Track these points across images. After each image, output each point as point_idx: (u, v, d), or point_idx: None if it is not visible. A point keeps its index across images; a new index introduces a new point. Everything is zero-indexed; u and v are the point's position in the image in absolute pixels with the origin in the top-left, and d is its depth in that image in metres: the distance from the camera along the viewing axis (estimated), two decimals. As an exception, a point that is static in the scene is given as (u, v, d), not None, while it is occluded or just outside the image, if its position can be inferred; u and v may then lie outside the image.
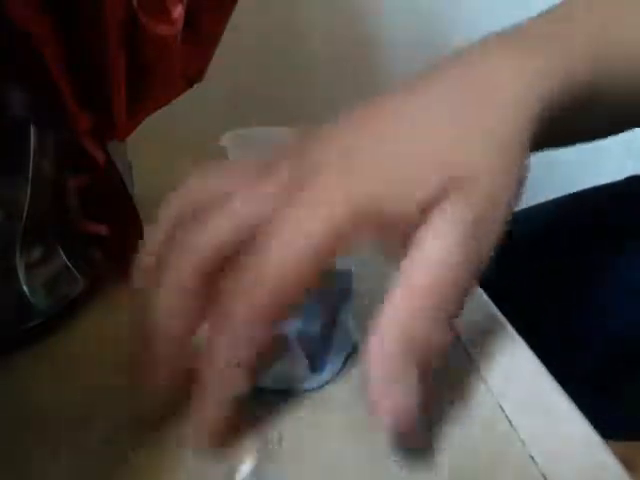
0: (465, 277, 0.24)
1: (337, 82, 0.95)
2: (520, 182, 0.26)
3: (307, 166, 0.25)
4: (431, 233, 0.23)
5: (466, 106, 0.26)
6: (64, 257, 0.34)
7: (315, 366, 0.30)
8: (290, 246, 0.23)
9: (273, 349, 0.25)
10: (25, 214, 0.31)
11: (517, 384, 0.29)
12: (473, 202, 0.24)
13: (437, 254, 0.23)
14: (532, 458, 0.25)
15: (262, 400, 0.29)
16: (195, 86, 0.39)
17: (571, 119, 0.30)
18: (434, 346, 0.23)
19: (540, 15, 0.32)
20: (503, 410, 0.28)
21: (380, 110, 0.28)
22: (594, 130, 0.37)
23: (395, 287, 0.23)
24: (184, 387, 0.25)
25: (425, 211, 0.24)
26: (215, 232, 0.25)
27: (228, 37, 0.38)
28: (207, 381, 0.24)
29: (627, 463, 0.25)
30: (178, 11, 0.31)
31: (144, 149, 0.44)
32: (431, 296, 0.23)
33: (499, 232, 0.25)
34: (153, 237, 0.28)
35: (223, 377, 0.23)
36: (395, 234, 0.24)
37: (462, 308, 0.24)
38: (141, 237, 0.38)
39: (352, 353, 0.32)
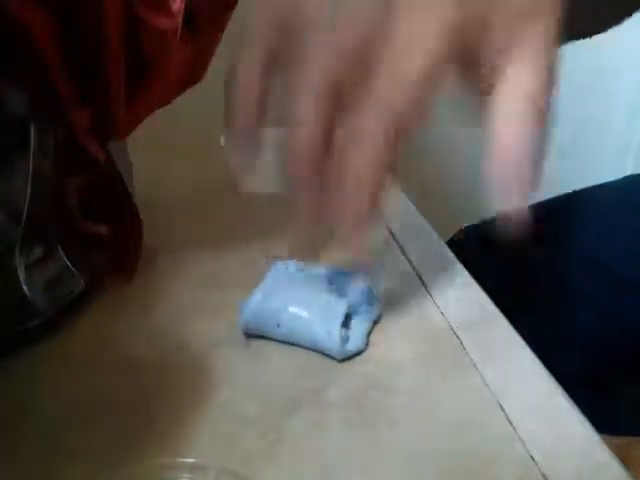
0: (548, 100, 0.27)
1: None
2: None
3: None
4: (517, 67, 0.27)
5: None
6: (64, 257, 0.34)
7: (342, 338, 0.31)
8: (415, 57, 0.26)
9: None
10: (25, 214, 0.31)
11: (517, 384, 0.29)
12: (546, 39, 0.27)
13: (525, 83, 0.27)
14: (532, 458, 0.25)
15: (262, 400, 0.29)
16: (195, 86, 0.39)
17: None
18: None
19: None
20: (503, 410, 0.28)
21: None
22: None
23: (496, 117, 0.27)
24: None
25: (507, 46, 0.27)
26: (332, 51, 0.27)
27: (228, 37, 0.38)
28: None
29: (625, 458, 0.25)
30: (177, 4, 0.31)
31: (144, 149, 0.44)
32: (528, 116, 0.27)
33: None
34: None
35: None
36: (482, 61, 0.28)
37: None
38: (141, 237, 0.38)
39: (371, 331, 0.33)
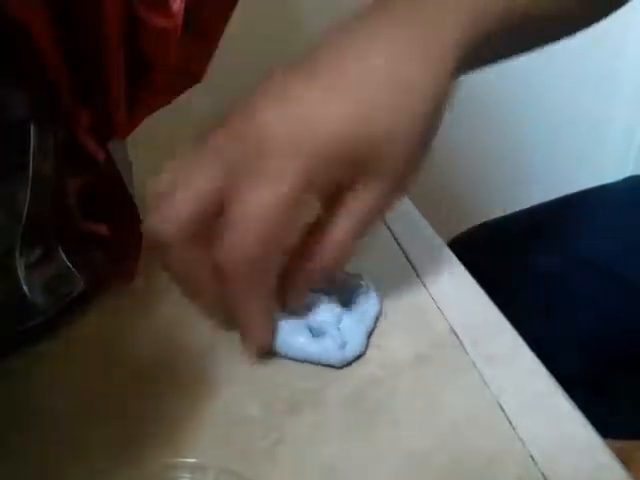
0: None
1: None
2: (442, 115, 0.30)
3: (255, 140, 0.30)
4: (345, 212, 0.29)
5: (401, 76, 0.29)
6: (64, 257, 0.34)
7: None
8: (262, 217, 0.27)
9: None
10: (25, 214, 0.31)
11: (517, 384, 0.29)
12: (384, 180, 0.28)
13: (342, 235, 0.29)
14: (532, 458, 0.25)
15: (262, 400, 0.29)
16: (195, 86, 0.39)
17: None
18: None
19: None
20: (503, 410, 0.28)
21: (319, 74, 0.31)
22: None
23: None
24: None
25: (351, 180, 0.28)
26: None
27: (228, 37, 0.38)
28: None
29: (626, 460, 0.25)
30: (177, 4, 0.31)
31: (144, 149, 0.44)
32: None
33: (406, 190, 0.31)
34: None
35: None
36: (325, 195, 0.29)
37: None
38: (141, 237, 0.38)
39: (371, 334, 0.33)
